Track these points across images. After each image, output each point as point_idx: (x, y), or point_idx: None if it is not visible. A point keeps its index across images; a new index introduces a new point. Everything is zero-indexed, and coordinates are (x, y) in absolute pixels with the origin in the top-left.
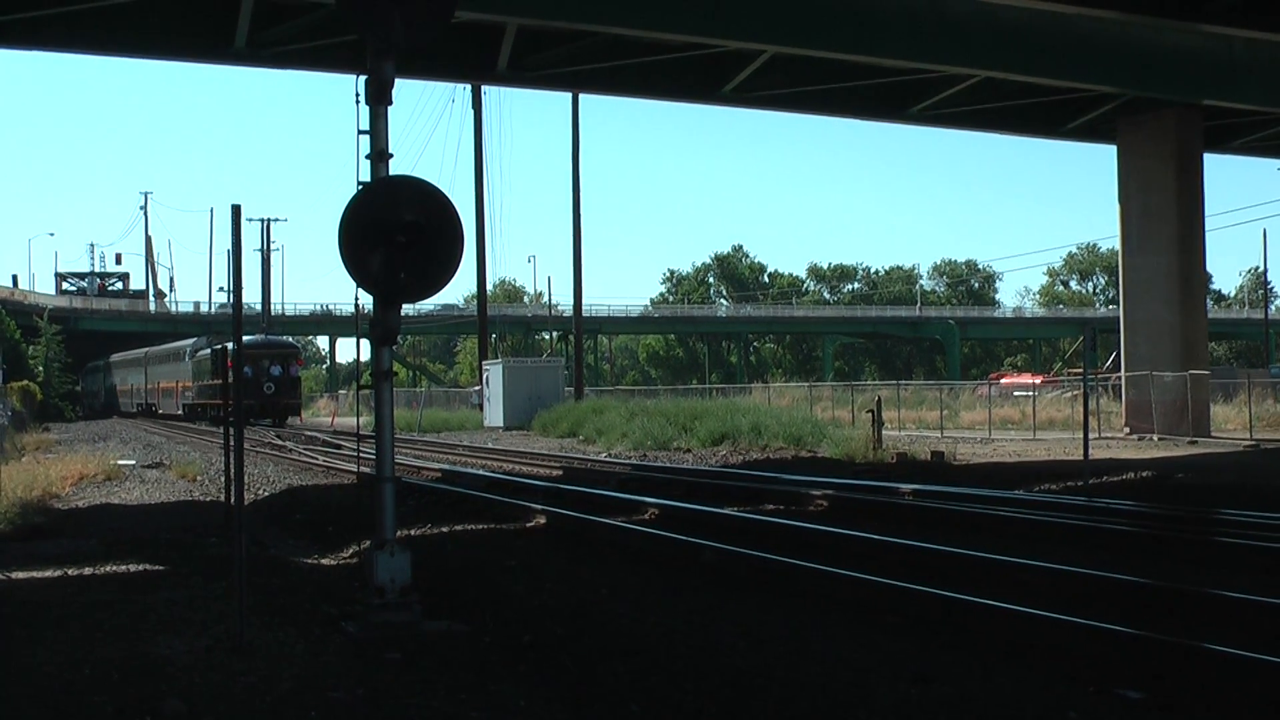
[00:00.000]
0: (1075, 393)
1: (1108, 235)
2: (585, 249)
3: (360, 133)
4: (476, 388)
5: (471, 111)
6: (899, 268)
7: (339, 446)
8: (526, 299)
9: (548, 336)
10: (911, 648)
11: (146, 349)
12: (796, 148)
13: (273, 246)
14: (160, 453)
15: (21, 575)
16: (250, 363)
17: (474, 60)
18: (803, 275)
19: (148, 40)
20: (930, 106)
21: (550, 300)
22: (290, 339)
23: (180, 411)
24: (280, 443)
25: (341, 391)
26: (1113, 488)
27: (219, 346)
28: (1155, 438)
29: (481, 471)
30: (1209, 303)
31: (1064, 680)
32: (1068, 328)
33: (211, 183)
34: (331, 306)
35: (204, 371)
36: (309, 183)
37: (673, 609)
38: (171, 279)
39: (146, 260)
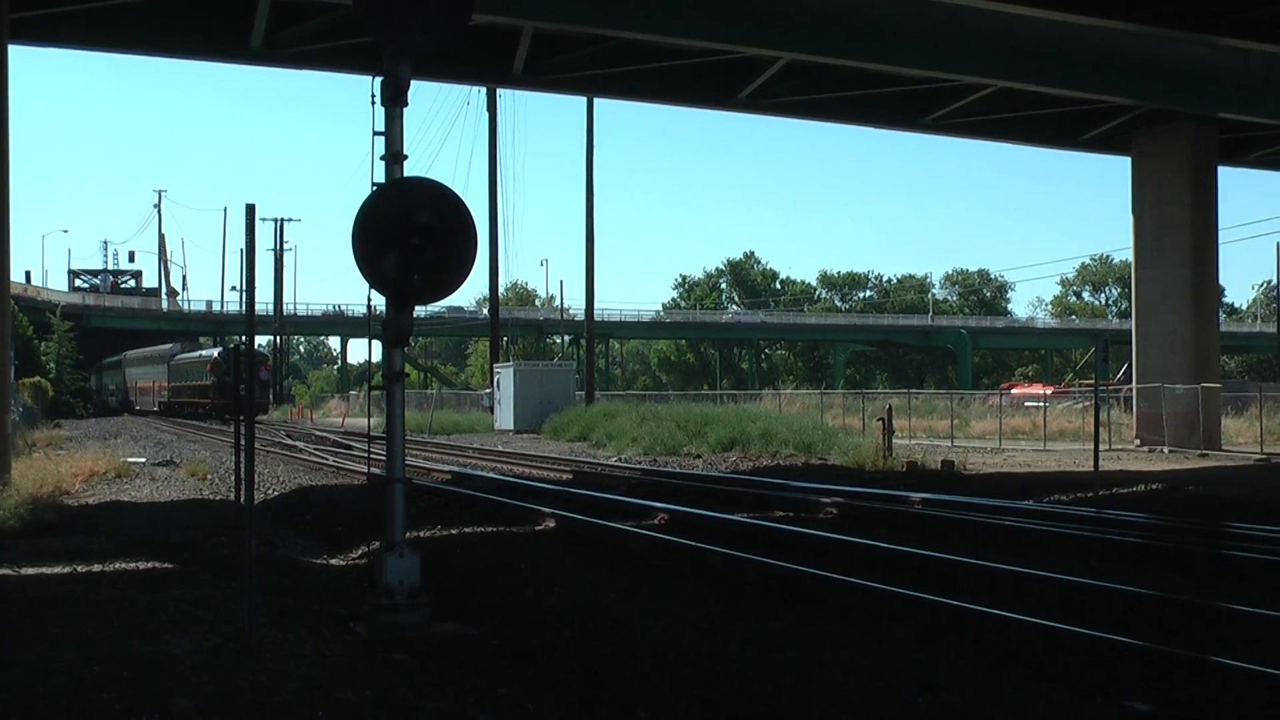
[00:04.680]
0: (1086, 404)
1: (1121, 247)
2: (598, 253)
3: (375, 134)
4: (488, 390)
5: (486, 114)
6: (911, 276)
7: (349, 447)
8: (539, 302)
9: (559, 340)
10: (919, 657)
11: (126, 352)
12: (810, 155)
13: (286, 246)
14: (170, 451)
15: (31, 571)
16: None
17: (490, 63)
18: (814, 282)
19: (164, 39)
20: (945, 116)
21: (562, 304)
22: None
23: (156, 408)
24: (291, 442)
25: (352, 392)
26: (1123, 499)
27: (221, 350)
28: (1166, 450)
29: (492, 474)
30: (1221, 316)
31: (1072, 691)
32: (1080, 339)
33: (226, 182)
34: (344, 307)
35: (179, 374)
36: (323, 183)
37: (681, 614)
38: (184, 277)
39: (160, 258)
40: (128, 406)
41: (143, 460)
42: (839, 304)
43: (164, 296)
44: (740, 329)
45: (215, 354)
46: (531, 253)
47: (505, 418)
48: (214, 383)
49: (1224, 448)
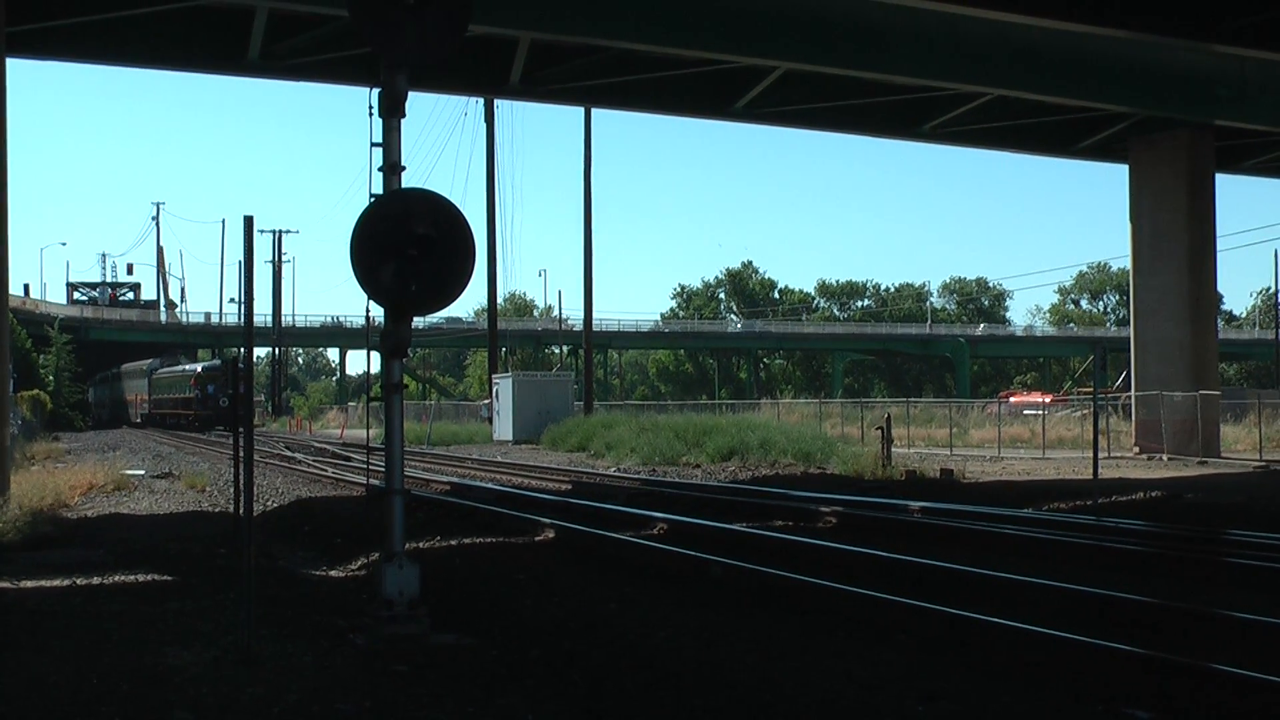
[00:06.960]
0: (1085, 412)
1: (1119, 254)
2: (596, 263)
3: (373, 145)
4: (486, 401)
5: (484, 125)
6: (909, 285)
7: (348, 458)
8: (536, 313)
9: (558, 350)
10: (919, 665)
11: (121, 365)
12: (807, 164)
13: (284, 258)
14: (169, 463)
15: (30, 584)
16: (211, 381)
17: (487, 74)
18: (812, 292)
19: (161, 51)
20: (942, 124)
21: (560, 314)
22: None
23: (138, 420)
24: (289, 454)
25: (351, 404)
26: (1122, 507)
27: (205, 366)
28: (1165, 457)
29: (490, 485)
30: (1219, 323)
31: (1072, 700)
32: (1078, 347)
33: (224, 194)
34: (342, 318)
35: (160, 387)
36: (321, 195)
37: (681, 624)
38: (183, 289)
39: (158, 270)
40: (123, 419)
41: (141, 473)
42: (837, 313)
43: (162, 309)
44: (739, 338)
45: (199, 369)
46: (529, 263)
47: (504, 428)
48: (196, 396)
49: (1223, 455)
